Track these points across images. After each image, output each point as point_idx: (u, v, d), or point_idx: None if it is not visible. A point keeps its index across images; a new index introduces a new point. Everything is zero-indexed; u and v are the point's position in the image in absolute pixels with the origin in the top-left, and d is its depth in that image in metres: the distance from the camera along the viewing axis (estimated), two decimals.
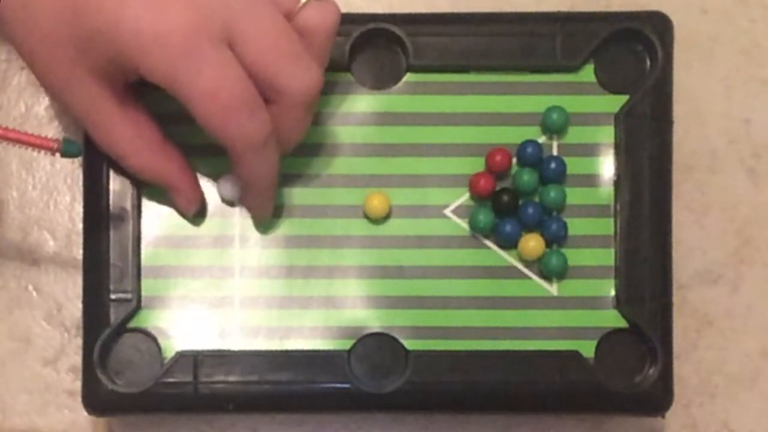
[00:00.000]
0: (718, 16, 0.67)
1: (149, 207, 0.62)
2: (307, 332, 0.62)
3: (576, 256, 0.62)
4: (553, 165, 0.62)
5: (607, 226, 0.62)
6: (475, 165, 0.62)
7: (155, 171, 0.59)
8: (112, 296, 0.61)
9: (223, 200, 0.62)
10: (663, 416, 0.62)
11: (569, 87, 0.63)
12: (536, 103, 0.62)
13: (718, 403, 0.66)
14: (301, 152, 0.62)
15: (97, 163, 0.62)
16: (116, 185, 0.62)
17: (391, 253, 0.62)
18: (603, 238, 0.62)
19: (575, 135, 0.62)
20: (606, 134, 0.62)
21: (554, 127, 0.62)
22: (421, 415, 0.65)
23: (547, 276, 0.62)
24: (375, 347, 0.62)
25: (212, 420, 0.65)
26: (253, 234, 0.62)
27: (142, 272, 0.62)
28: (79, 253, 0.64)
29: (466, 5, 0.65)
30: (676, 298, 0.62)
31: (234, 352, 0.61)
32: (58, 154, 0.56)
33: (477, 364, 0.61)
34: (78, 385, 0.63)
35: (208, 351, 0.61)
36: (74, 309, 0.65)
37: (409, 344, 0.62)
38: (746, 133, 0.67)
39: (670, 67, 0.62)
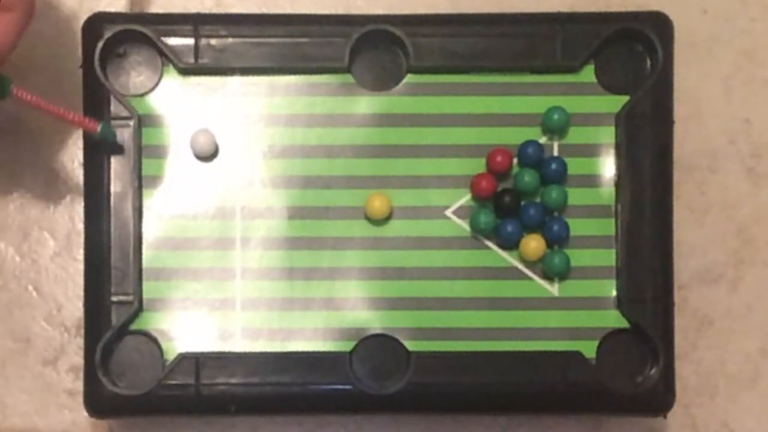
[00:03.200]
0: (718, 16, 0.67)
1: (150, 209, 0.62)
2: (308, 334, 0.62)
3: (577, 257, 0.62)
4: (554, 165, 0.62)
5: (608, 227, 0.62)
6: (476, 166, 0.62)
7: None
8: (114, 298, 0.61)
9: (197, 156, 0.62)
10: (664, 416, 0.62)
11: (570, 87, 0.63)
12: (537, 104, 0.62)
13: (718, 403, 0.66)
14: (302, 153, 0.62)
15: (97, 164, 0.62)
16: (117, 187, 0.62)
17: (392, 255, 0.62)
18: (604, 239, 0.62)
19: (576, 135, 0.62)
20: (607, 134, 0.62)
21: (555, 128, 0.62)
22: (423, 416, 0.65)
23: (548, 276, 0.62)
24: (376, 348, 0.62)
25: (214, 422, 0.65)
26: (255, 236, 0.62)
27: (144, 274, 0.62)
28: (79, 253, 0.64)
29: (466, 6, 0.65)
30: (677, 298, 0.62)
31: (236, 353, 0.61)
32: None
33: (478, 365, 0.61)
34: (78, 385, 0.63)
35: (210, 353, 0.61)
36: (74, 309, 0.65)
37: (410, 345, 0.62)
38: (746, 133, 0.67)
39: (670, 67, 0.62)
